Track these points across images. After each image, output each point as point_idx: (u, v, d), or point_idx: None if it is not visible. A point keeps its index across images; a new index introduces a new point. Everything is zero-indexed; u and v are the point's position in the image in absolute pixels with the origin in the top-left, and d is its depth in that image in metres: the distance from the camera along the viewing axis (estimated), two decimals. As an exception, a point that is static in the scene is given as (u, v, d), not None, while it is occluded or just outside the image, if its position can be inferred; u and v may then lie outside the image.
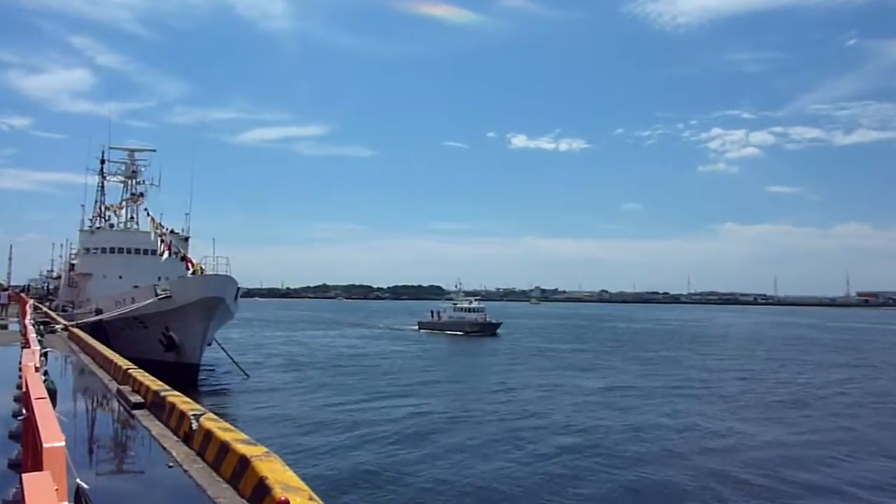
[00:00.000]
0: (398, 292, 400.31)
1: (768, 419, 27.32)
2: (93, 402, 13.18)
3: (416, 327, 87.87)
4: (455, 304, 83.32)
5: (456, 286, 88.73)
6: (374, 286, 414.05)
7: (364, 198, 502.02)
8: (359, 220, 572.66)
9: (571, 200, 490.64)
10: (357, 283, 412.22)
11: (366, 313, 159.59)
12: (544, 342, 70.19)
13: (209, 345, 39.18)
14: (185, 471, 7.45)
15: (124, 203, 51.99)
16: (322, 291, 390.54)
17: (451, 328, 79.44)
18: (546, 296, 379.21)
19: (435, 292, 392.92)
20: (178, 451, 8.44)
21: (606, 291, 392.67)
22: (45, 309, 47.12)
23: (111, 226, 51.45)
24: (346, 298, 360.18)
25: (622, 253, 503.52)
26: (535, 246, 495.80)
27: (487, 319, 79.25)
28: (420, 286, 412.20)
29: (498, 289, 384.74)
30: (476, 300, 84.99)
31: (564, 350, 59.77)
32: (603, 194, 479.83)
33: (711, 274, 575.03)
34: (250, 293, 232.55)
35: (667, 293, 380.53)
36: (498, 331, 79.37)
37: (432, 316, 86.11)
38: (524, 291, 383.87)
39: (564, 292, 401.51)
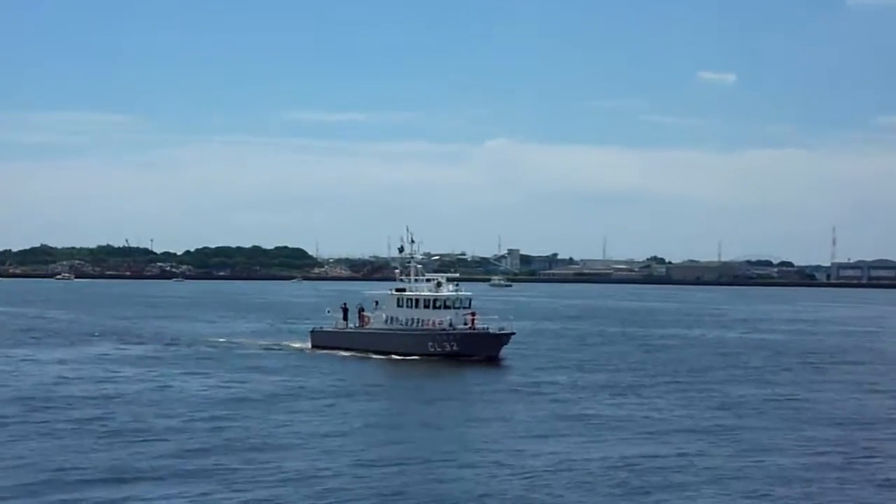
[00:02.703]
0: (210, 264, 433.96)
1: None
2: None
3: (308, 345, 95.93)
4: (402, 290, 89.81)
5: (401, 247, 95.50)
6: (158, 251, 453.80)
7: (137, 59, 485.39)
8: (124, 106, 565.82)
9: (587, 63, 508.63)
10: (118, 245, 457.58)
11: (142, 309, 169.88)
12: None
13: None
14: None
15: None
16: (40, 262, 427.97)
17: (393, 345, 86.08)
18: (534, 269, 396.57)
19: (292, 262, 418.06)
20: None
21: (661, 260, 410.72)
22: None
23: None
24: (93, 277, 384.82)
25: (695, 178, 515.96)
26: (510, 162, 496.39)
27: (479, 325, 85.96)
28: (259, 249, 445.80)
29: (429, 254, 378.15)
30: (448, 280, 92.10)
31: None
32: (654, 51, 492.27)
33: (879, 226, 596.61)
34: None
35: (788, 264, 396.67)
36: (503, 353, 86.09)
37: (345, 316, 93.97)
38: (484, 261, 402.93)
39: (572, 261, 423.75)
